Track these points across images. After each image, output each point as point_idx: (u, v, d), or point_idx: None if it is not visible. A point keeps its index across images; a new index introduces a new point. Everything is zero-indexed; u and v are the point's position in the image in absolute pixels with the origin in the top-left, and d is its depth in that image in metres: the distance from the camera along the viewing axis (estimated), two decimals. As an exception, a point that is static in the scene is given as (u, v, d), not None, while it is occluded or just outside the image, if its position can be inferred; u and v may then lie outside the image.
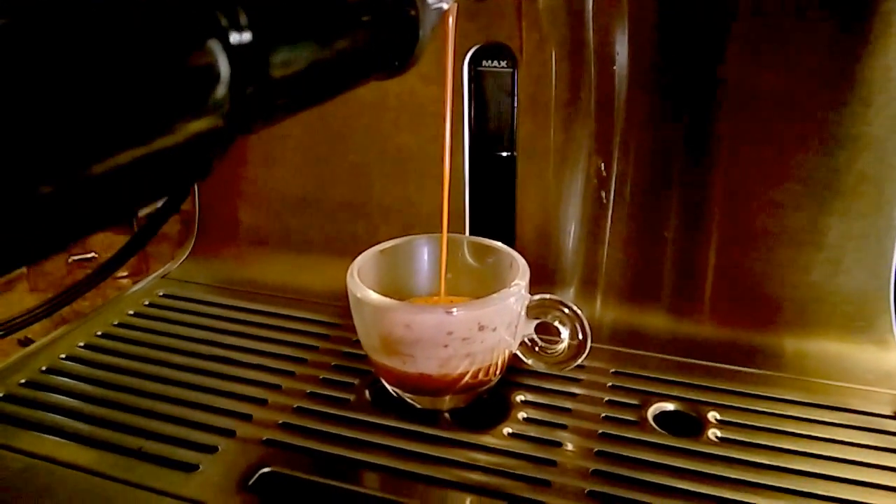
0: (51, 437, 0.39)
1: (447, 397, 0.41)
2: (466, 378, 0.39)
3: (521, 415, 0.41)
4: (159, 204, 0.71)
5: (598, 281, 0.49)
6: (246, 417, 0.41)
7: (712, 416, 0.41)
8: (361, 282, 0.40)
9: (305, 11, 0.20)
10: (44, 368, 0.46)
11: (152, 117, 0.15)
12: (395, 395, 0.42)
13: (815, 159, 0.42)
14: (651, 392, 0.43)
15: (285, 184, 0.55)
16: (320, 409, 0.42)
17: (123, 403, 0.42)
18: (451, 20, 0.38)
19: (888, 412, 0.41)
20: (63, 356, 0.47)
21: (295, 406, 0.42)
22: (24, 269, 0.79)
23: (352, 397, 0.43)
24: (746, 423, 0.40)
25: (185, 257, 0.59)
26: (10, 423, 0.40)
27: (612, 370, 0.45)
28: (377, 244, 0.44)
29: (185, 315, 0.52)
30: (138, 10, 0.15)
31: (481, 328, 0.38)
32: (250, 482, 0.36)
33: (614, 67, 0.44)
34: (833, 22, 0.40)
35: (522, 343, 0.41)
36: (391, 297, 0.39)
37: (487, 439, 0.39)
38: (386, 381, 0.42)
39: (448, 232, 0.43)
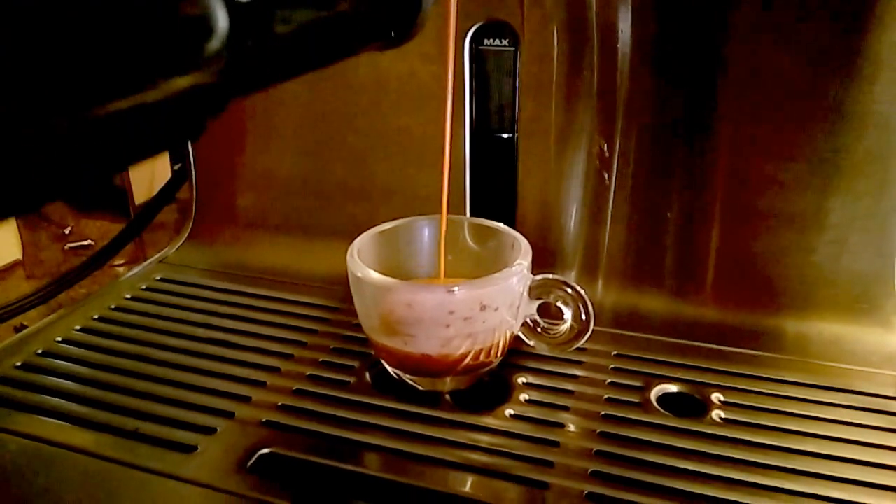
0: (46, 418, 0.39)
1: (448, 379, 0.41)
2: (468, 359, 0.39)
3: (523, 396, 0.41)
4: (155, 191, 0.70)
5: (600, 263, 0.48)
6: (245, 399, 0.41)
7: (716, 397, 0.41)
8: (361, 262, 0.39)
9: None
10: (39, 351, 0.45)
11: (147, 67, 0.15)
12: (395, 376, 0.42)
13: (820, 138, 0.42)
14: (654, 374, 0.43)
15: (284, 167, 0.55)
16: (320, 392, 0.41)
17: (121, 386, 0.42)
18: (453, -3, 0.38)
19: (892, 394, 0.41)
20: (59, 339, 0.46)
21: (294, 388, 0.42)
22: (20, 257, 0.79)
23: (352, 380, 0.42)
24: (750, 404, 0.40)
25: (182, 242, 0.59)
26: (6, 406, 0.40)
27: (615, 352, 0.45)
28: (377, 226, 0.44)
29: (182, 299, 0.52)
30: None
31: (483, 308, 0.37)
32: (249, 463, 0.36)
33: (617, 45, 0.44)
34: (839, -2, 0.40)
35: (524, 324, 0.41)
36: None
37: (489, 420, 0.39)
38: (386, 362, 0.41)
39: (448, 214, 0.43)
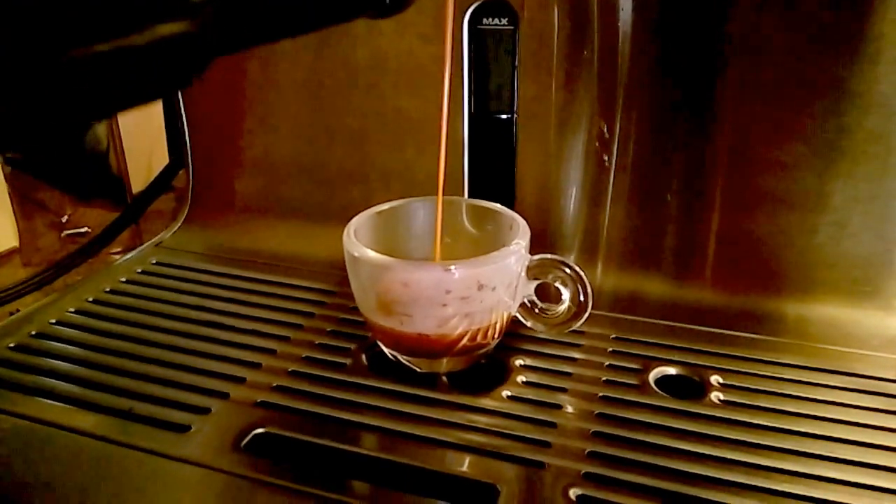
0: (40, 399, 0.38)
1: (445, 360, 0.40)
2: (465, 340, 0.38)
3: (521, 378, 0.40)
4: (152, 178, 0.70)
5: (599, 245, 0.48)
6: (240, 380, 0.40)
7: (715, 379, 0.40)
8: (358, 242, 0.39)
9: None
10: (34, 333, 0.45)
11: (129, 11, 0.14)
12: (392, 358, 0.41)
13: (822, 119, 0.41)
14: (653, 357, 0.42)
15: (280, 150, 0.54)
16: (316, 373, 0.41)
17: (115, 367, 0.41)
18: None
19: (893, 376, 0.40)
20: (53, 321, 0.46)
21: (290, 369, 0.41)
22: (16, 245, 0.79)
23: (348, 361, 0.42)
24: (750, 386, 0.39)
25: (178, 226, 0.58)
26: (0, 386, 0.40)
27: (613, 336, 0.44)
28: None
29: (178, 282, 0.51)
30: None
31: (480, 287, 0.37)
32: (243, 443, 0.36)
33: (618, 24, 0.43)
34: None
35: (522, 305, 0.40)
36: (388, 257, 0.38)
37: (486, 402, 0.38)
38: (383, 343, 0.41)
39: (446, 195, 0.42)
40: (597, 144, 0.46)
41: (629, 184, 0.46)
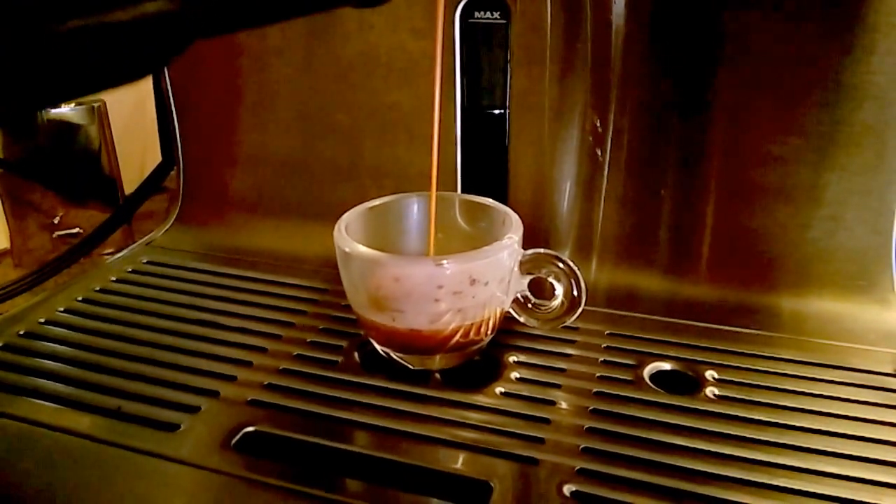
0: (28, 398, 0.38)
1: (438, 357, 0.40)
2: (458, 336, 0.38)
3: (514, 375, 0.40)
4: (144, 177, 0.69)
5: (594, 241, 0.48)
6: (230, 379, 0.40)
7: (710, 374, 0.40)
8: (349, 237, 0.38)
9: None
10: (22, 332, 0.44)
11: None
12: (384, 355, 0.41)
13: (816, 111, 0.41)
14: (647, 352, 0.42)
15: (272, 147, 0.54)
16: (307, 371, 0.41)
17: (104, 366, 0.41)
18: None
19: (889, 370, 0.40)
20: (42, 321, 0.46)
21: (281, 367, 0.41)
22: (7, 246, 0.78)
23: (340, 359, 0.42)
24: (745, 381, 0.39)
25: (169, 225, 0.58)
26: (-14, 385, 0.39)
27: (608, 332, 0.44)
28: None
29: (169, 281, 0.51)
30: None
31: (473, 282, 0.36)
32: (234, 441, 0.35)
33: (611, 17, 0.43)
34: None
35: (515, 300, 0.40)
36: (379, 253, 0.37)
37: (479, 398, 0.38)
38: (375, 340, 0.41)
39: (438, 191, 0.42)
40: (590, 139, 0.46)
41: (623, 178, 0.46)
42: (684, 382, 0.40)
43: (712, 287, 0.46)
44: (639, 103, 0.44)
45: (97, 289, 0.50)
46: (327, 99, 0.51)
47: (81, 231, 0.81)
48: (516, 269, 0.39)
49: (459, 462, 0.34)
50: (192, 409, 0.37)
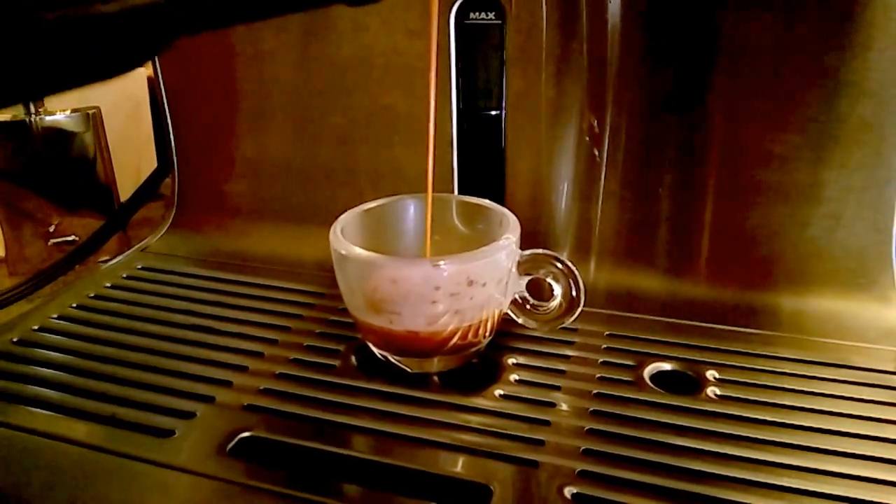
0: (22, 406, 0.37)
1: (436, 360, 0.39)
2: (456, 338, 0.38)
3: (513, 377, 0.40)
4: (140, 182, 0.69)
5: (592, 242, 0.47)
6: (226, 384, 0.39)
7: (711, 374, 0.39)
8: (345, 240, 0.38)
9: None
10: (15, 340, 0.44)
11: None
12: (382, 359, 0.40)
13: (814, 108, 0.41)
14: (647, 353, 0.41)
15: (267, 151, 0.54)
16: (304, 375, 0.40)
17: (98, 372, 0.40)
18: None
19: (891, 368, 0.40)
20: (35, 328, 0.45)
21: (277, 372, 0.40)
22: (2, 254, 0.77)
23: (337, 363, 0.41)
24: (747, 381, 0.39)
25: (164, 230, 0.57)
26: (-20, 393, 0.39)
27: (607, 333, 0.44)
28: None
29: (164, 287, 0.50)
30: None
31: (470, 283, 0.36)
32: (229, 447, 0.35)
33: (607, 16, 0.43)
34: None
35: (513, 301, 0.39)
36: (376, 255, 0.37)
37: (478, 401, 0.38)
38: (373, 343, 0.40)
39: (435, 192, 0.41)
40: (587, 139, 0.46)
41: (621, 178, 0.46)
42: (685, 383, 0.39)
43: (712, 287, 0.45)
44: (635, 102, 0.44)
45: (91, 295, 0.49)
46: (322, 102, 0.51)
47: (77, 239, 0.81)
48: (514, 269, 0.38)
49: (459, 465, 0.33)
50: (187, 415, 0.37)
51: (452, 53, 0.46)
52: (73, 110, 0.69)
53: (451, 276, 0.36)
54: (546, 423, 0.36)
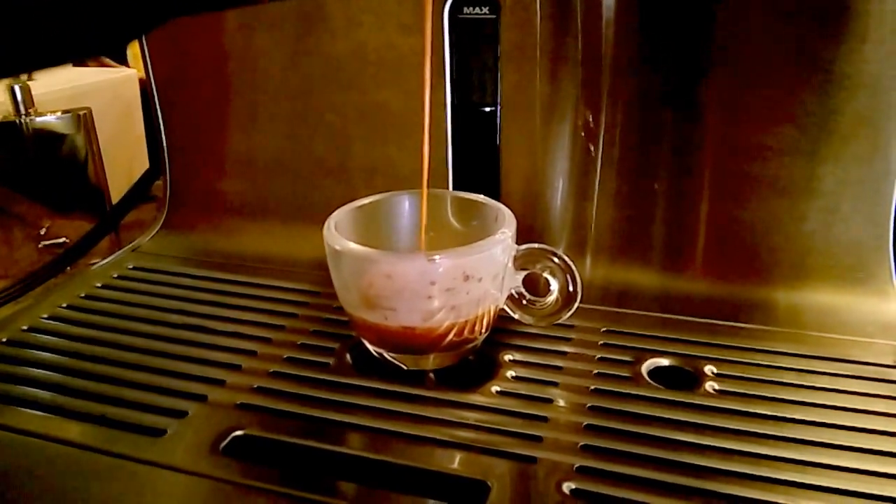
0: (12, 406, 0.37)
1: (432, 357, 0.39)
2: (451, 334, 0.37)
3: (510, 373, 0.39)
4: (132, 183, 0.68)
5: (588, 238, 0.47)
6: (218, 383, 0.39)
7: (709, 369, 0.39)
8: (339, 235, 0.38)
9: None
10: (4, 340, 0.43)
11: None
12: (377, 356, 0.40)
13: (810, 101, 0.41)
14: (645, 348, 0.41)
15: (260, 149, 0.53)
16: (298, 373, 0.40)
17: (89, 372, 0.40)
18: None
19: (889, 362, 0.39)
20: (25, 328, 0.44)
21: (271, 370, 0.40)
22: (-8, 257, 0.77)
23: (331, 361, 0.41)
24: (745, 375, 0.39)
25: (156, 230, 0.57)
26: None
27: (604, 329, 0.43)
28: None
29: (156, 286, 0.50)
30: None
31: (466, 278, 0.36)
32: (222, 446, 0.34)
33: (601, 10, 0.42)
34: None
35: (509, 296, 0.39)
36: (370, 251, 0.37)
37: (475, 397, 0.37)
38: (368, 340, 0.40)
39: (430, 188, 0.41)
40: (582, 134, 0.45)
41: (616, 174, 0.46)
42: (683, 378, 0.39)
43: (709, 282, 0.45)
44: (631, 97, 0.44)
45: (82, 295, 0.49)
46: (316, 98, 0.50)
47: (68, 241, 0.80)
48: (510, 264, 0.38)
49: (456, 462, 0.33)
50: (180, 414, 0.36)
51: (447, 49, 0.46)
52: (64, 111, 0.69)
53: (447, 271, 0.35)
54: (544, 419, 0.36)
